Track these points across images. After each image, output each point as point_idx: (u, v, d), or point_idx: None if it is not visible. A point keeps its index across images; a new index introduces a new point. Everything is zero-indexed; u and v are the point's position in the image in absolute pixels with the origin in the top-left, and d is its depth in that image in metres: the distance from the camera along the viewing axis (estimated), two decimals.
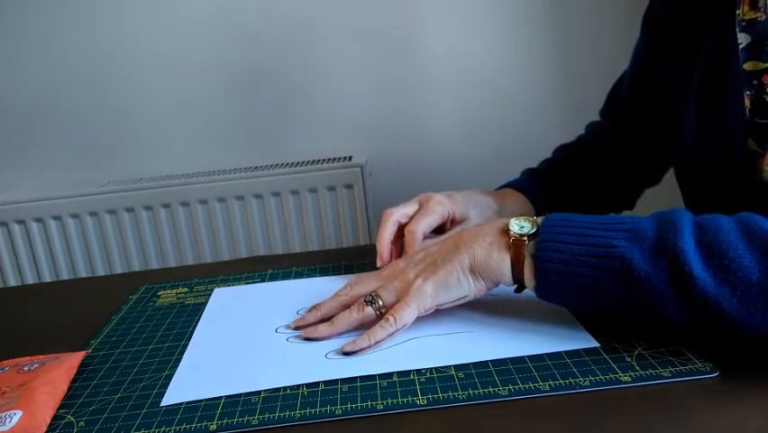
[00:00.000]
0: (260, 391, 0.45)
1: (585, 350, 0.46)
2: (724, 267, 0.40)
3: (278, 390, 0.45)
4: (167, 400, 0.45)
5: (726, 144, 0.58)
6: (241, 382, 0.46)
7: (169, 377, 0.49)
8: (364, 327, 0.51)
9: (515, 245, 0.48)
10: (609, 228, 0.45)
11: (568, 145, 0.82)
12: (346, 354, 0.48)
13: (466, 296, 0.51)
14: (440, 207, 0.64)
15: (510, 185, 0.74)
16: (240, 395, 0.45)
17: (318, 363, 0.48)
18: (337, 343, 0.51)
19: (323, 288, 0.63)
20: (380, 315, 0.51)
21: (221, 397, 0.45)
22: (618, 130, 0.79)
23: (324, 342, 0.52)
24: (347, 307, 0.53)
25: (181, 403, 0.45)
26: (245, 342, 0.53)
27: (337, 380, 0.45)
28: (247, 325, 0.57)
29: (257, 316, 0.59)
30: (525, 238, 0.48)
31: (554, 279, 0.46)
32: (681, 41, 0.64)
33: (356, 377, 0.45)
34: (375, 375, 0.45)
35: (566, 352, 0.46)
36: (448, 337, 0.50)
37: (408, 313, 0.50)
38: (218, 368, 0.49)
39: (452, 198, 0.66)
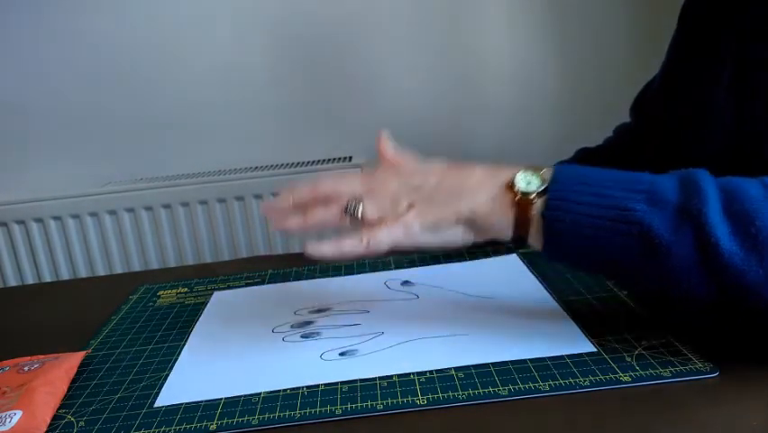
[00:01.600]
0: (259, 392, 0.45)
1: (585, 350, 0.46)
2: (751, 236, 0.38)
3: (277, 390, 0.45)
4: (161, 402, 0.45)
5: (762, 141, 0.53)
6: (234, 384, 0.46)
7: (169, 377, 0.49)
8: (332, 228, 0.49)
9: (520, 205, 0.44)
10: (627, 187, 0.41)
11: (589, 149, 0.78)
12: (309, 255, 0.47)
13: (452, 243, 0.47)
14: None
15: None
16: (238, 396, 0.45)
17: (314, 365, 0.48)
18: (335, 344, 0.51)
19: (323, 288, 0.63)
20: (355, 225, 0.48)
21: (219, 397, 0.45)
22: (640, 131, 0.74)
23: (320, 342, 0.51)
24: (322, 200, 0.49)
25: (176, 404, 0.45)
26: (241, 343, 0.53)
27: (337, 379, 0.45)
28: (244, 326, 0.57)
29: (255, 317, 0.58)
30: (533, 196, 0.44)
31: (564, 241, 0.43)
32: (708, 32, 0.60)
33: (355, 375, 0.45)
34: (375, 375, 0.45)
35: (566, 352, 0.46)
36: (446, 340, 0.50)
37: (385, 243, 0.46)
38: (213, 370, 0.49)
39: None
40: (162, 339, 0.56)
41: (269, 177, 1.36)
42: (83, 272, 1.39)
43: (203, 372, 0.49)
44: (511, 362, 0.45)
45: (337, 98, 1.43)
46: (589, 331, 0.48)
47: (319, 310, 0.58)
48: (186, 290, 0.68)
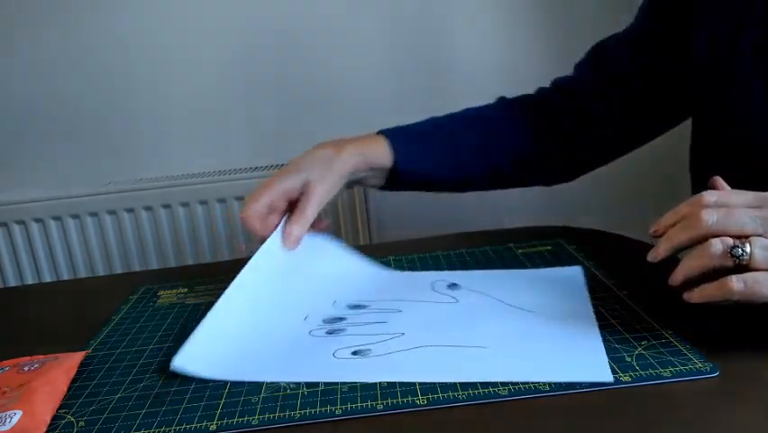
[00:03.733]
0: (263, 383, 0.46)
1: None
2: None
3: (278, 389, 0.45)
4: (176, 363, 0.47)
5: None
6: (242, 368, 0.48)
7: (169, 377, 0.49)
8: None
9: None
10: None
11: (509, 102, 0.74)
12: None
13: None
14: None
15: (383, 132, 0.69)
16: (240, 393, 0.45)
17: (323, 362, 0.48)
18: (352, 341, 0.51)
19: (369, 280, 0.63)
20: (735, 266, 0.41)
21: (221, 395, 0.45)
22: (593, 94, 0.70)
23: (340, 338, 0.51)
24: (696, 236, 0.43)
25: (187, 374, 0.47)
26: (270, 323, 0.54)
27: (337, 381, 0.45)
28: (282, 301, 0.57)
29: (297, 295, 0.59)
30: None
31: None
32: None
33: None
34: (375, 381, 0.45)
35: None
36: (461, 351, 0.48)
37: (757, 295, 0.41)
38: (229, 345, 0.51)
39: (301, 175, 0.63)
40: (162, 339, 0.56)
41: (269, 177, 1.36)
42: (83, 272, 1.39)
43: (224, 343, 0.51)
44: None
45: (337, 99, 1.43)
46: None
47: (357, 307, 0.57)
48: (186, 290, 0.68)
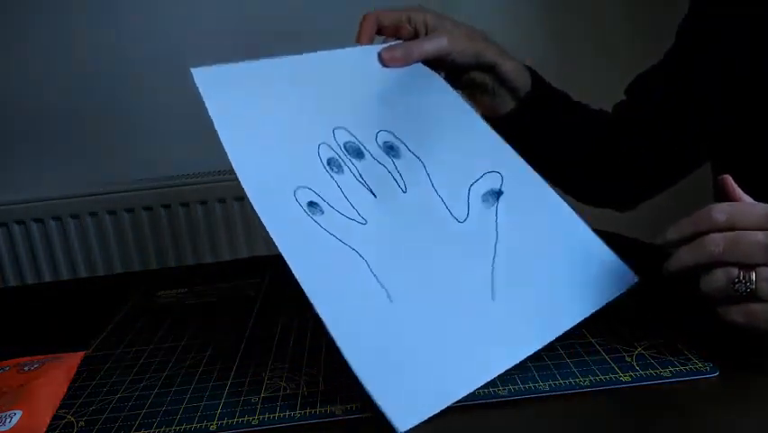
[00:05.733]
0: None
1: (585, 350, 0.46)
2: None
3: (278, 389, 0.45)
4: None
5: None
6: None
7: (170, 377, 0.49)
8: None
9: None
10: None
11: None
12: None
13: None
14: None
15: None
16: (240, 394, 0.45)
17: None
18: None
19: (372, 104, 0.55)
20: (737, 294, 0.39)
21: (221, 395, 0.45)
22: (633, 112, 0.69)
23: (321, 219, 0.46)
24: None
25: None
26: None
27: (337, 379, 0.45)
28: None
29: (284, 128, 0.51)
30: None
31: None
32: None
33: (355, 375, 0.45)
34: None
35: (566, 353, 0.46)
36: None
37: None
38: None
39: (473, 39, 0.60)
40: (162, 339, 0.56)
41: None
42: (83, 272, 1.39)
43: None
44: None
45: None
46: (589, 331, 0.48)
47: (357, 153, 0.51)
48: (186, 290, 0.68)
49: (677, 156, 0.69)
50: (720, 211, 0.40)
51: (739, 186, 0.43)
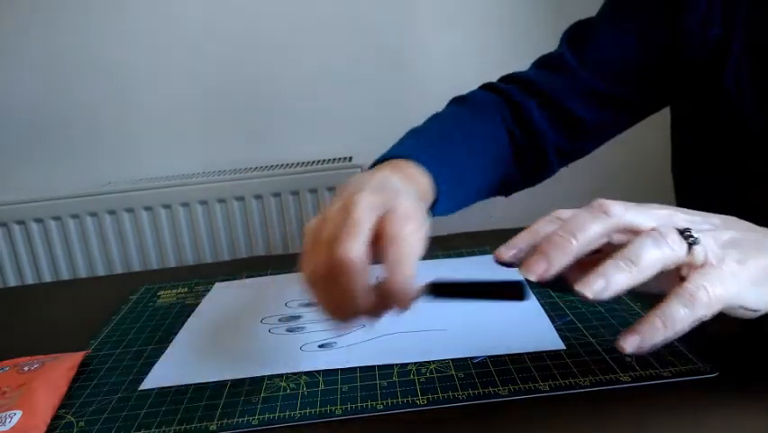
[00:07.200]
0: (244, 378, 0.47)
1: (585, 350, 0.46)
2: None
3: (278, 389, 0.45)
4: (147, 385, 0.48)
5: None
6: (217, 370, 0.49)
7: None
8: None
9: None
10: None
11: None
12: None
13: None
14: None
15: (401, 156, 0.53)
16: (240, 394, 0.45)
17: (295, 355, 0.50)
18: (316, 337, 0.52)
19: None
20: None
21: (221, 395, 0.45)
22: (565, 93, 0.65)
23: (303, 336, 0.53)
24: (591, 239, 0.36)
25: (156, 389, 0.47)
26: (231, 332, 0.56)
27: (337, 379, 0.45)
28: (236, 315, 0.59)
29: (248, 307, 0.60)
30: None
31: None
32: None
33: (356, 375, 0.46)
34: (375, 375, 0.46)
35: (566, 352, 0.46)
36: (423, 335, 0.51)
37: (714, 299, 0.33)
38: (198, 356, 0.52)
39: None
40: (162, 339, 0.56)
41: (269, 177, 1.36)
42: (83, 272, 1.39)
43: (189, 356, 0.52)
44: (511, 361, 0.45)
45: (338, 98, 1.43)
46: (589, 331, 0.48)
47: (309, 304, 0.59)
48: (186, 290, 0.68)
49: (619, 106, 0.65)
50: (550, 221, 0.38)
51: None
